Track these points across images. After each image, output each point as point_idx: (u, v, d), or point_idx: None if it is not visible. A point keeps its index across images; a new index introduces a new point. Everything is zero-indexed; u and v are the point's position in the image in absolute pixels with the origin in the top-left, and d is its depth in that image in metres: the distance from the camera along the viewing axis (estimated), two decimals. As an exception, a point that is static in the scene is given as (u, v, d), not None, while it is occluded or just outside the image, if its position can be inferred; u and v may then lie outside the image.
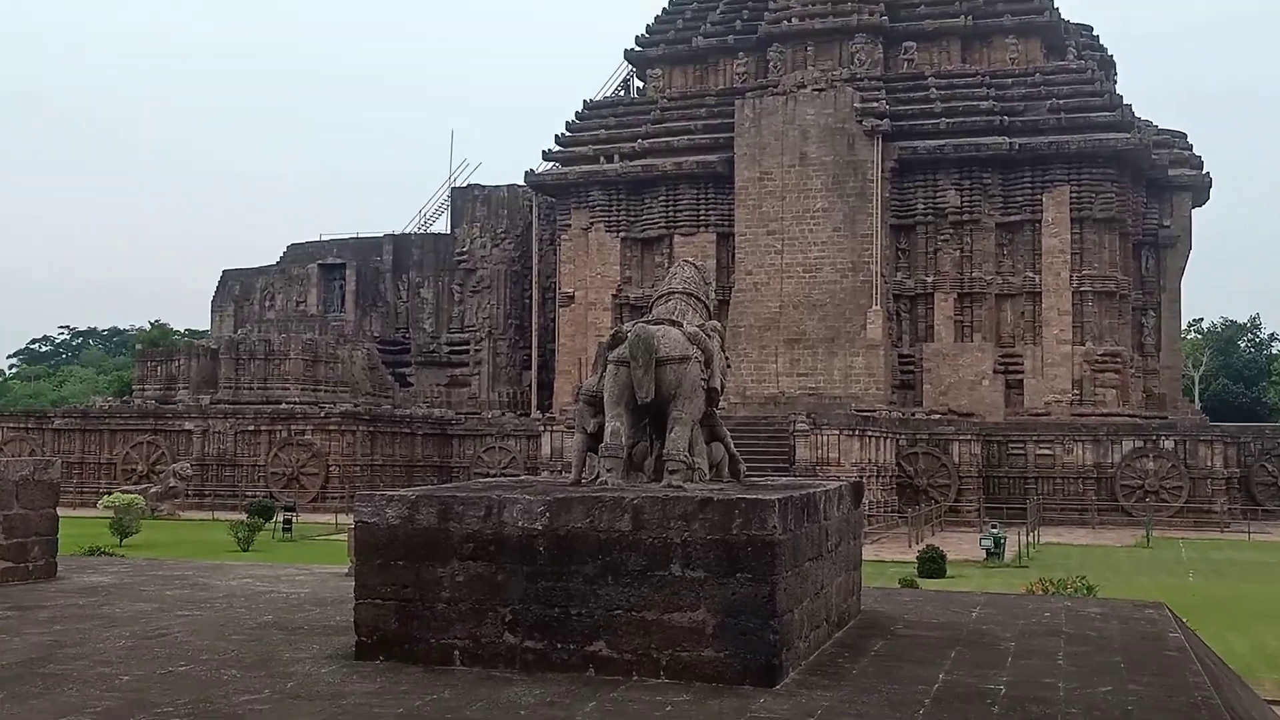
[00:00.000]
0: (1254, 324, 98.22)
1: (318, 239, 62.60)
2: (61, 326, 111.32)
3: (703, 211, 51.62)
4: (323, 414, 46.57)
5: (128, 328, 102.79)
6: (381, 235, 61.31)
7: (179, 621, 7.65)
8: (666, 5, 57.29)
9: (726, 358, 8.37)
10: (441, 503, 6.35)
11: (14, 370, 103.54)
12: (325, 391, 50.24)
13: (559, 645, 6.02)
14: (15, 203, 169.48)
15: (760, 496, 5.97)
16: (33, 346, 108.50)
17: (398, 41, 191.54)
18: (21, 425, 50.11)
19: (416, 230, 63.32)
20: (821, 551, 6.78)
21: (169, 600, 8.67)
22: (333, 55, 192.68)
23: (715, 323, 8.33)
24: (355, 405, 48.94)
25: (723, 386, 7.87)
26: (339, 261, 60.92)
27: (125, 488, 42.71)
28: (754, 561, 5.80)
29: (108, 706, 5.31)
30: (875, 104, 48.00)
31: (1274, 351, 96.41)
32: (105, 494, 41.51)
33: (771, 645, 5.73)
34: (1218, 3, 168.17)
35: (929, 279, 48.58)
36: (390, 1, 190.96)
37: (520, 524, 6.17)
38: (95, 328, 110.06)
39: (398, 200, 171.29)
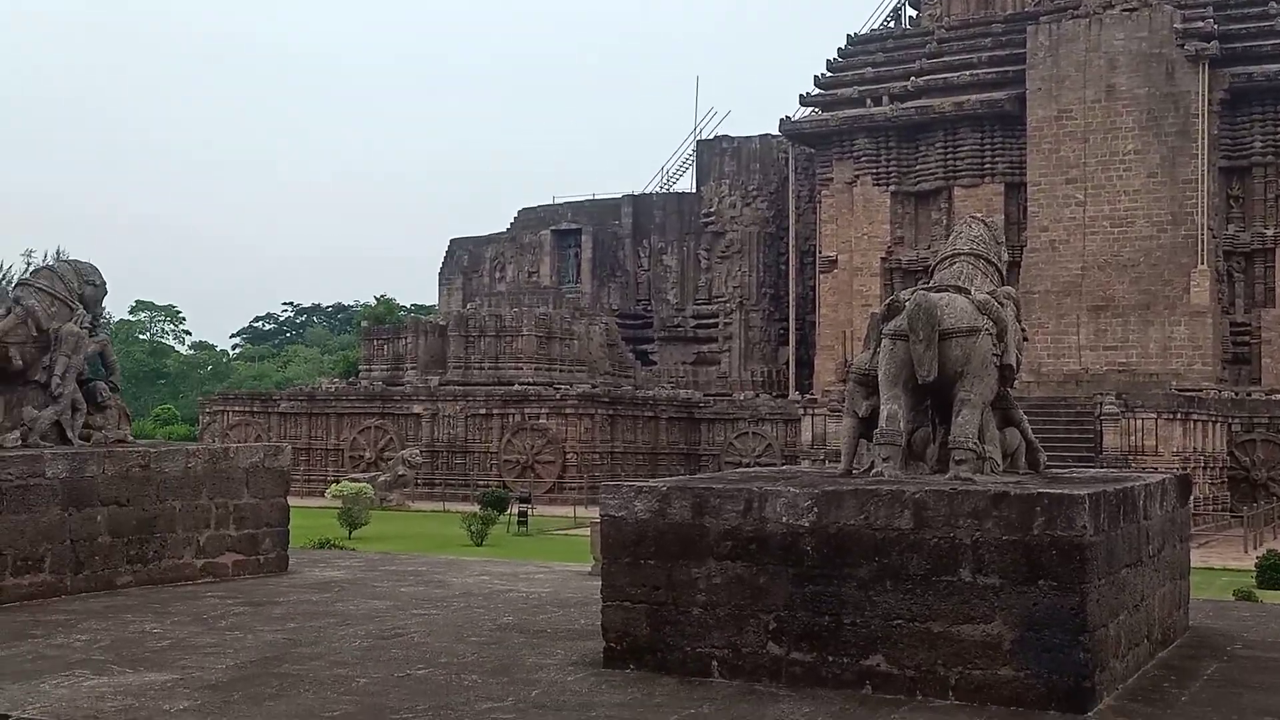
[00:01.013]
0: None
1: (550, 202, 64.31)
2: (285, 303, 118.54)
3: (988, 159, 50.39)
4: (558, 396, 47.88)
5: (352, 303, 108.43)
6: (620, 196, 62.46)
7: (415, 621, 8.06)
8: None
9: (1023, 329, 8.19)
10: (696, 495, 6.46)
11: (238, 350, 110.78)
12: (561, 371, 51.64)
13: (830, 658, 6.04)
14: (236, 174, 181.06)
15: (1066, 491, 5.82)
16: (256, 325, 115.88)
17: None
18: (247, 409, 53.56)
19: (658, 190, 64.24)
20: (1141, 556, 6.57)
21: (404, 598, 9.15)
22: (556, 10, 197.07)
23: (1009, 288, 8.16)
24: (593, 386, 50.12)
25: (1018, 363, 7.70)
26: (574, 227, 62.39)
27: (353, 475, 45.13)
28: (1060, 567, 5.67)
29: (345, 711, 5.65)
30: (1200, 24, 45.67)
31: None
32: (333, 482, 43.96)
33: (1082, 665, 5.58)
34: None
35: (1269, 231, 46.02)
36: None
37: (784, 520, 6.22)
38: (319, 304, 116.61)
39: (638, 158, 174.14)
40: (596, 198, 63.22)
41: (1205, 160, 45.24)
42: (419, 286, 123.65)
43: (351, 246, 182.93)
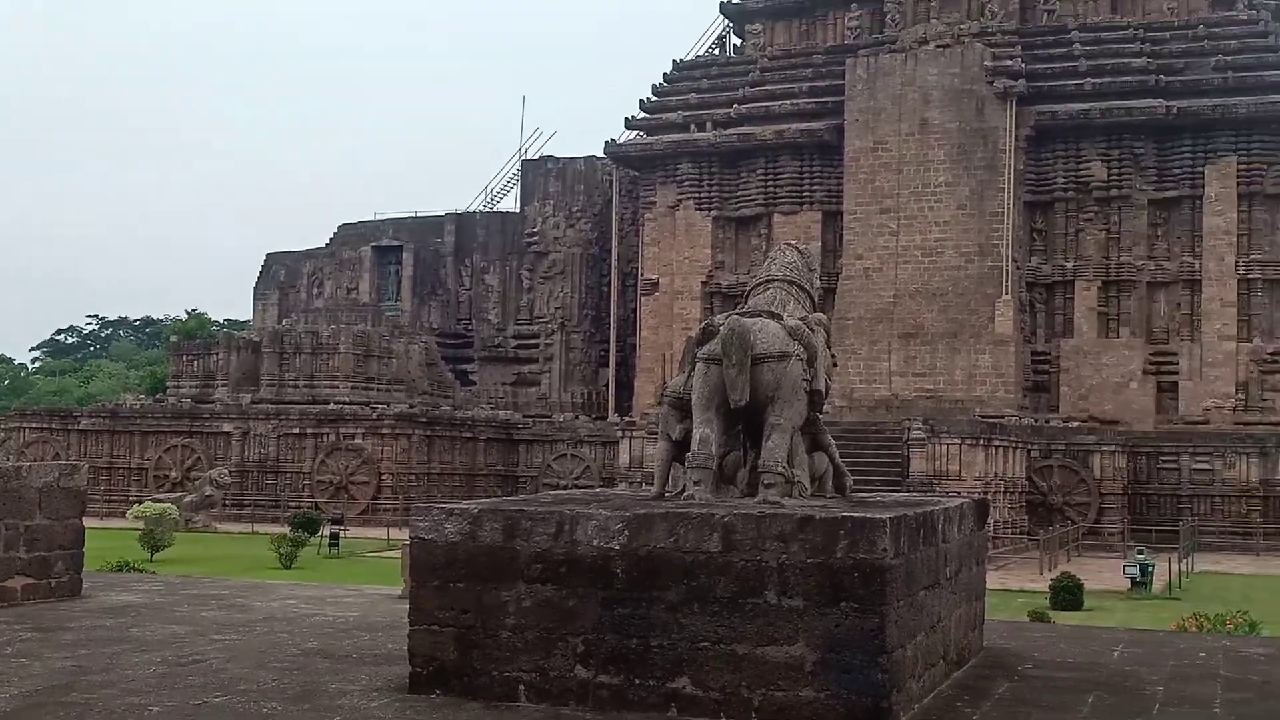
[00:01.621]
0: None
1: (372, 219, 63.50)
2: (90, 316, 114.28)
3: (807, 187, 51.42)
4: (375, 416, 47.23)
5: (162, 317, 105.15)
6: (443, 214, 62.01)
7: (215, 647, 7.83)
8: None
9: (833, 355, 8.36)
10: (508, 518, 6.43)
11: (37, 365, 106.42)
12: (378, 390, 50.95)
13: (637, 681, 6.06)
14: (46, 185, 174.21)
15: (869, 515, 5.95)
16: (58, 338, 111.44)
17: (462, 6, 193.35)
18: (45, 425, 51.49)
19: (482, 209, 63.96)
20: (939, 579, 6.75)
21: (204, 623, 8.88)
22: (387, 16, 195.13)
23: (820, 315, 8.33)
24: (411, 406, 49.57)
25: (828, 388, 7.85)
26: (395, 244, 61.73)
27: (157, 496, 43.70)
28: (861, 589, 5.78)
29: (137, 740, 5.46)
30: (1009, 62, 47.40)
31: None
32: (135, 503, 42.48)
33: (879, 685, 5.71)
34: None
35: (1069, 265, 47.89)
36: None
37: (595, 543, 6.23)
38: (126, 317, 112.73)
39: (461, 177, 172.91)
40: (419, 215, 62.65)
41: (1011, 194, 46.92)
42: (233, 301, 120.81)
43: (162, 258, 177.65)
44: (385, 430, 46.91)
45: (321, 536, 35.75)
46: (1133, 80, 46.73)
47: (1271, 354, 45.99)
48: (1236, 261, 46.02)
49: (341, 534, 36.21)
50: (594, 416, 54.36)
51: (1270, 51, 46.97)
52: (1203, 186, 46.57)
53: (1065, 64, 47.87)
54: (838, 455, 7.98)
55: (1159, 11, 49.19)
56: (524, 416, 53.96)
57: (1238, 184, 46.07)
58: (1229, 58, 46.69)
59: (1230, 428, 44.72)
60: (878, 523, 5.83)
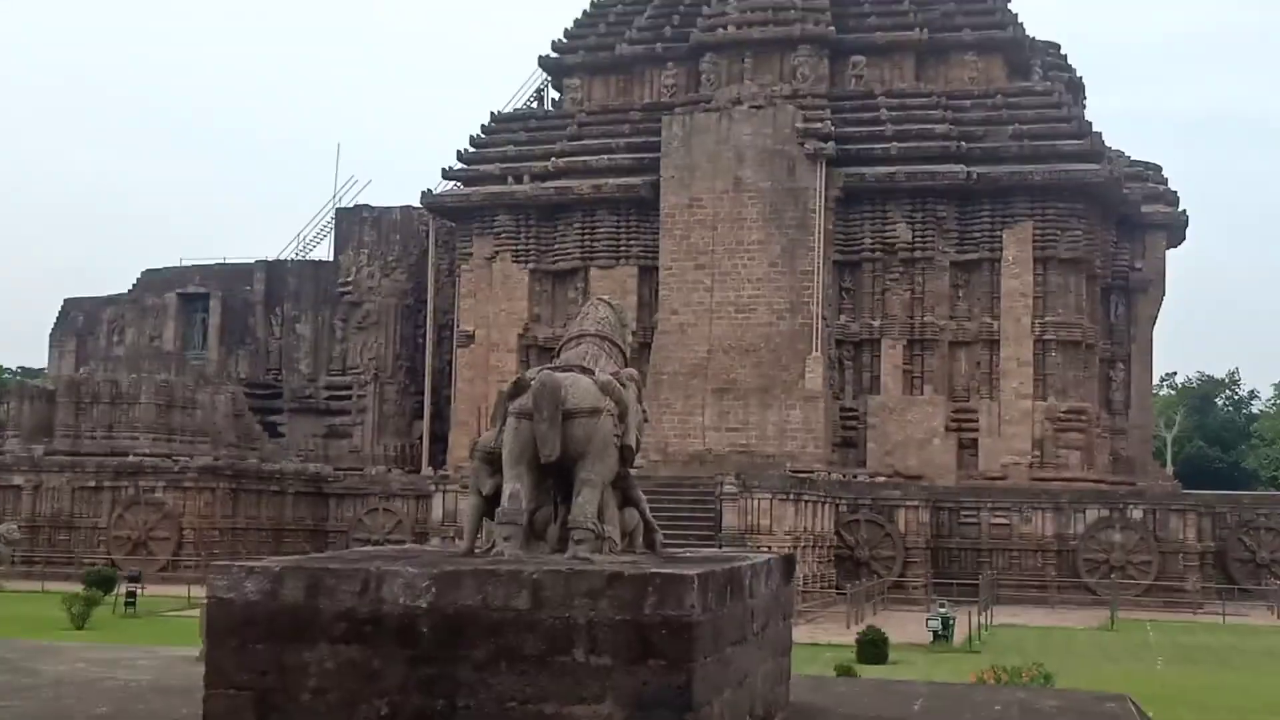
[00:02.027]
0: (1232, 379, 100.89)
1: (178, 264, 61.77)
2: None
3: (623, 241, 51.81)
4: (177, 468, 45.72)
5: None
6: (253, 262, 60.64)
7: (-4, 713, 7.44)
8: (588, 7, 57.70)
9: (644, 410, 8.39)
10: (311, 575, 6.25)
11: None
12: (182, 442, 49.34)
13: (443, 743, 5.94)
14: None
15: (677, 571, 5.96)
16: None
17: (273, 44, 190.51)
18: None
19: (294, 257, 62.75)
20: (746, 634, 6.78)
21: (-14, 687, 8.43)
22: (196, 55, 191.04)
23: (632, 370, 8.35)
24: (216, 459, 48.12)
25: (639, 444, 7.87)
26: (202, 291, 60.13)
27: (-60, 551, 41.45)
28: (668, 646, 5.77)
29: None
30: (819, 124, 48.65)
31: (1254, 411, 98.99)
32: (-84, 558, 40.24)
33: (687, 743, 5.71)
34: (1194, 13, 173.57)
35: (876, 323, 49.14)
36: (270, 5, 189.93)
37: (402, 601, 6.09)
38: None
39: (274, 222, 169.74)
40: (228, 261, 61.19)
41: (821, 253, 48.05)
42: (27, 349, 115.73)
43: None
44: (188, 484, 45.43)
45: (117, 595, 34.31)
46: (936, 146, 48.40)
47: (1064, 413, 47.81)
48: (1032, 323, 47.80)
49: (139, 592, 34.80)
50: (407, 470, 53.56)
51: (1063, 122, 49.20)
52: (1001, 250, 48.31)
53: (872, 128, 49.35)
54: (648, 510, 8.00)
55: (960, 81, 51.18)
56: (335, 470, 52.84)
57: (1034, 248, 47.92)
58: (1025, 127, 48.75)
59: (1026, 484, 46.24)
60: (685, 579, 5.85)
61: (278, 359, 59.50)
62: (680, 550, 8.50)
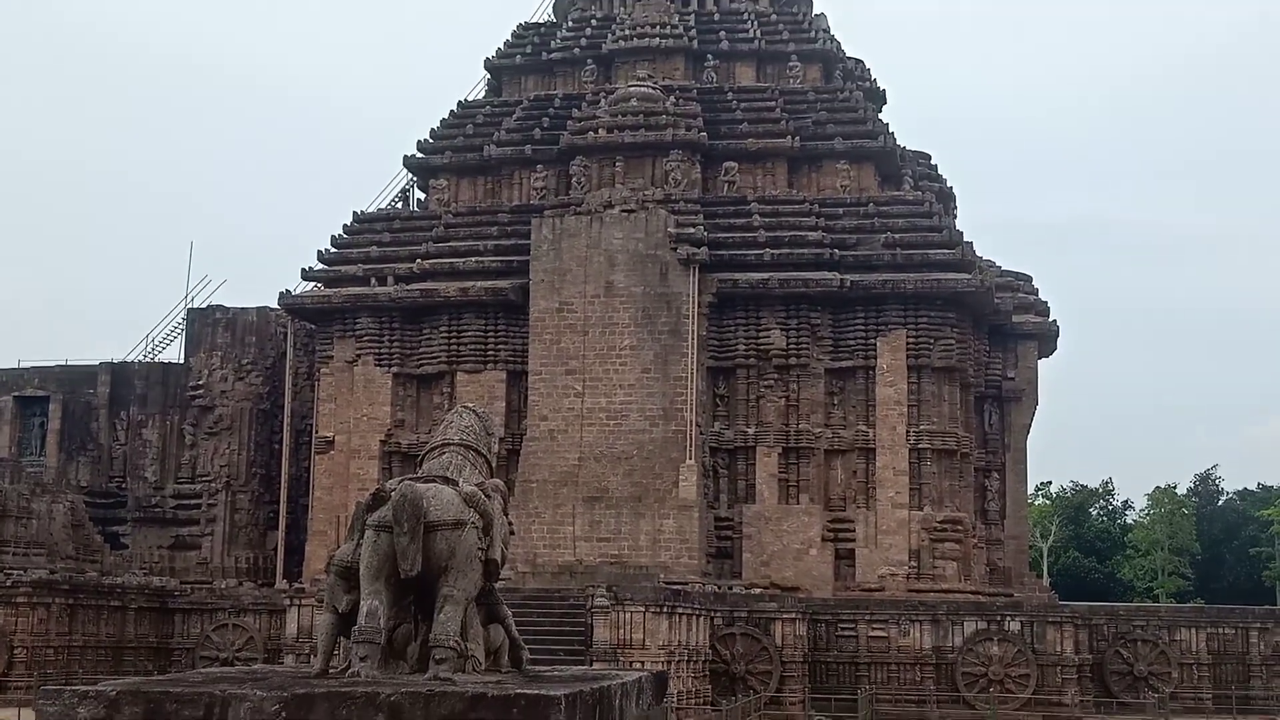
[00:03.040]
0: (1106, 489, 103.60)
1: (15, 366, 60.10)
2: None
3: (492, 345, 51.64)
4: (9, 583, 43.98)
5: None
6: (97, 364, 59.21)
7: None
8: (455, 108, 58.04)
9: (510, 522, 8.32)
10: (150, 700, 6.03)
11: None
12: (15, 554, 47.55)
13: None
14: None
15: (543, 692, 5.88)
16: None
17: (120, 131, 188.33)
18: None
19: (142, 358, 61.39)
20: (616, 758, 6.69)
21: None
22: (48, 164, 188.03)
23: (497, 480, 8.33)
24: (52, 572, 46.39)
25: (504, 557, 7.81)
26: (42, 394, 58.47)
27: None
28: (534, 771, 5.68)
29: None
30: (692, 229, 49.23)
31: (1128, 521, 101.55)
32: None
33: None
34: (1060, 129, 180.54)
35: (750, 430, 49.45)
36: (118, 96, 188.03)
37: (248, 727, 5.90)
38: None
39: (120, 322, 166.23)
40: (70, 364, 59.63)
41: (695, 359, 48.37)
42: None
43: None
44: (20, 599, 43.66)
45: (-61, 720, 32.80)
46: (809, 252, 49.21)
47: (941, 523, 48.44)
48: (907, 431, 48.51)
49: (-37, 717, 33.34)
50: (260, 583, 52.18)
51: (934, 231, 50.45)
52: (875, 358, 49.06)
53: (745, 234, 50.07)
54: (514, 627, 7.91)
55: (832, 188, 52.30)
56: (181, 583, 51.26)
57: (907, 356, 48.77)
58: (898, 235, 49.87)
59: (904, 595, 46.61)
60: (552, 700, 5.77)
61: (122, 466, 57.90)
62: (548, 669, 8.39)
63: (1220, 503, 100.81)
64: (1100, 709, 44.26)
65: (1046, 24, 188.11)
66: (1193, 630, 48.74)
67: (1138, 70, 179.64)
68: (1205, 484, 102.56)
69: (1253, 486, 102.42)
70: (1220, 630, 48.95)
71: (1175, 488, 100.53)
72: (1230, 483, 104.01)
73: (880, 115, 56.53)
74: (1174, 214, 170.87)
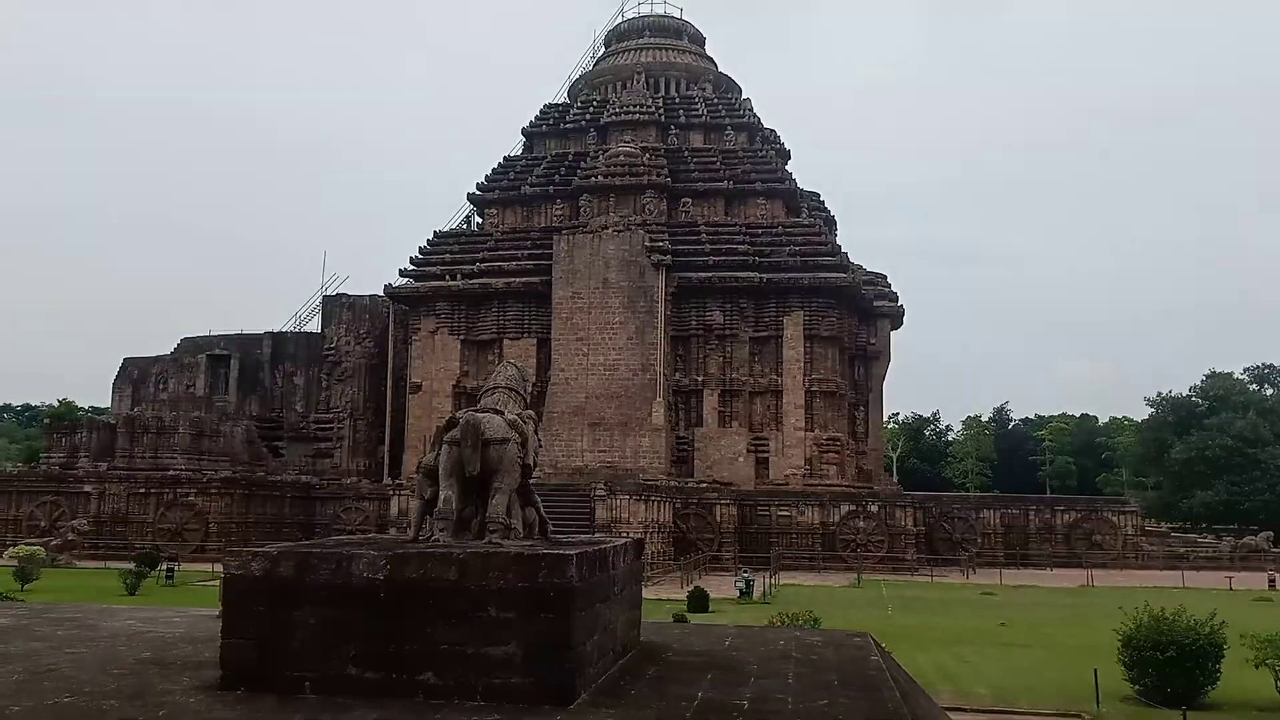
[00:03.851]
0: (935, 418, 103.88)
1: (208, 334, 59.75)
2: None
3: (527, 322, 51.56)
4: (205, 479, 44.00)
5: (39, 404, 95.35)
6: (262, 333, 58.93)
7: (67, 658, 7.00)
8: (500, 162, 57.86)
9: (540, 439, 8.31)
10: (299, 558, 6.03)
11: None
12: (209, 461, 47.52)
13: (394, 676, 5.75)
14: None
15: (561, 552, 5.90)
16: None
17: (274, 169, 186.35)
18: (-65, 486, 45.44)
19: (293, 329, 61.09)
20: (610, 595, 6.72)
21: (59, 639, 7.94)
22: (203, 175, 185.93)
23: (531, 411, 8.26)
24: (234, 472, 46.42)
25: (536, 463, 7.80)
26: (225, 353, 58.18)
27: (29, 541, 39.18)
28: (555, 604, 5.69)
29: (-6, 737, 4.80)
30: (660, 243, 49.15)
31: (950, 438, 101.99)
32: (11, 546, 37.95)
33: (568, 672, 5.61)
34: (912, 170, 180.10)
35: (699, 379, 49.53)
36: (264, 164, 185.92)
37: (365, 575, 5.90)
38: (10, 404, 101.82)
39: (276, 303, 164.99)
40: (244, 332, 59.33)
41: (662, 331, 48.39)
42: (96, 395, 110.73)
43: (34, 361, 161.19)
44: (213, 490, 43.71)
45: (160, 571, 32.79)
46: (739, 259, 49.25)
47: (825, 440, 48.67)
48: (804, 379, 48.69)
49: (175, 569, 33.31)
50: (373, 480, 52.23)
51: (823, 245, 50.47)
52: (783, 330, 49.20)
53: (696, 246, 50.02)
54: (543, 509, 7.90)
55: (755, 216, 52.25)
56: (321, 480, 51.29)
57: (804, 329, 48.92)
58: (798, 248, 49.90)
59: (801, 489, 46.88)
60: (567, 557, 5.79)
61: (280, 401, 57.71)
62: (565, 537, 8.40)
63: (1010, 427, 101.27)
64: (929, 563, 44.64)
65: (900, 97, 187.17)
66: (991, 511, 49.22)
67: (965, 142, 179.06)
68: (1000, 414, 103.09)
69: (1032, 416, 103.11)
70: (1009, 511, 49.44)
71: (981, 416, 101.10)
72: (1017, 413, 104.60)
73: (787, 167, 56.33)
74: (982, 234, 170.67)
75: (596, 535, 9.48)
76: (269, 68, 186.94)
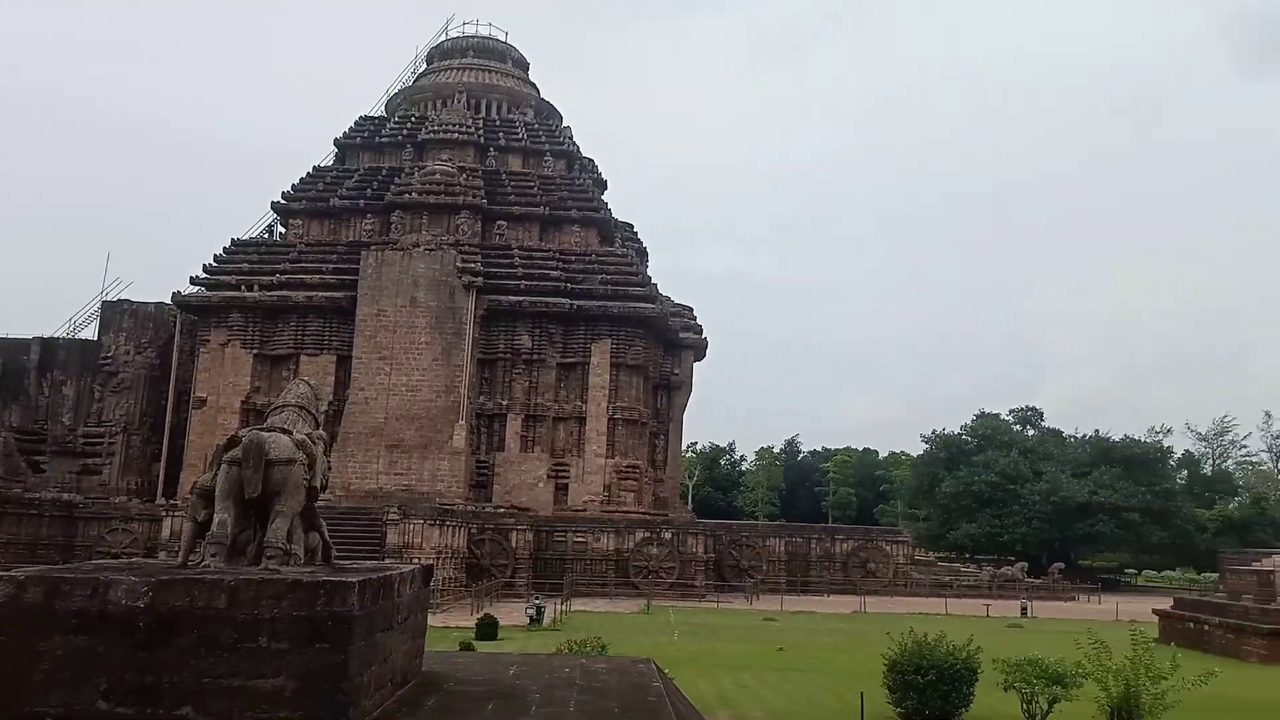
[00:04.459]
0: (731, 448, 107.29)
1: (-36, 336, 54.21)
2: None
3: (327, 337, 49.71)
4: (-50, 493, 39.74)
5: None
6: (31, 337, 54.06)
7: None
8: (310, 171, 55.81)
9: (329, 461, 8.05)
10: (49, 583, 5.59)
11: None
12: (-45, 473, 42.97)
13: (149, 710, 5.40)
14: None
15: (344, 579, 5.73)
16: None
17: (72, 159, 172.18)
18: None
19: (65, 335, 56.32)
20: (393, 624, 6.57)
21: None
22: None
23: (321, 431, 8.01)
24: (-15, 486, 42.16)
25: (324, 485, 7.55)
26: (-16, 357, 52.95)
27: None
28: (332, 634, 5.52)
29: None
30: (472, 265, 48.64)
31: (743, 469, 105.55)
32: None
33: (341, 705, 5.44)
34: (716, 208, 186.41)
35: (504, 402, 49.17)
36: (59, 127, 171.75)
37: (124, 602, 5.54)
38: None
39: (50, 308, 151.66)
40: (9, 336, 54.26)
41: (469, 353, 47.80)
42: None
43: None
44: (-42, 506, 39.52)
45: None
46: (550, 284, 49.34)
47: (625, 467, 49.27)
48: (608, 406, 49.16)
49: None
50: (145, 500, 48.65)
51: (633, 276, 51.31)
52: (590, 357, 49.56)
53: (509, 269, 49.78)
54: (327, 534, 7.65)
55: (569, 243, 52.57)
56: (86, 498, 47.31)
57: (611, 357, 49.46)
58: (609, 276, 50.49)
59: (598, 515, 47.20)
60: (349, 585, 5.63)
61: (45, 413, 52.96)
62: (351, 563, 8.14)
63: (799, 458, 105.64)
64: (717, 590, 45.85)
65: (717, 133, 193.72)
66: (777, 539, 51.18)
67: (774, 182, 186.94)
68: (790, 446, 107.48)
69: (819, 448, 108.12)
70: (794, 539, 51.56)
71: (773, 448, 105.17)
72: (806, 445, 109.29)
73: (603, 196, 57.06)
74: (787, 270, 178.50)
75: (385, 562, 9.21)
76: (99, 60, 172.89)
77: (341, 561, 7.79)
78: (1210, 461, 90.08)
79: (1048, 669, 16.03)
